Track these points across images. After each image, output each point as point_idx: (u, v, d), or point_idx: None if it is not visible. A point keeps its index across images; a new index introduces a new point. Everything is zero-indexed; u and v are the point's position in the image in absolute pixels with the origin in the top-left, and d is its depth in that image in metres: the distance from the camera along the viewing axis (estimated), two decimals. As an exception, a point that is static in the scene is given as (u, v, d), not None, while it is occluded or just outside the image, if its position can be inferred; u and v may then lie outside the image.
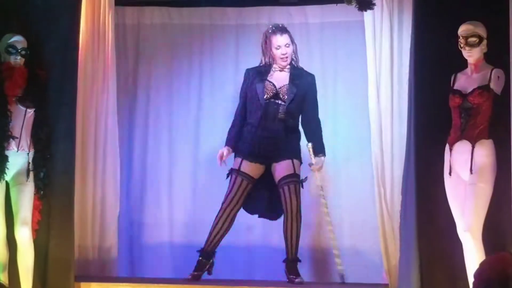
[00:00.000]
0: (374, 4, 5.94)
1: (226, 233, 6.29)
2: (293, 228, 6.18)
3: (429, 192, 5.53)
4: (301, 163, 6.31)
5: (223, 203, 6.27)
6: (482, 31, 5.43)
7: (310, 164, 6.33)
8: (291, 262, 6.22)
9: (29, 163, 5.86)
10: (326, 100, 7.00)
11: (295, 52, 6.35)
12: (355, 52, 6.84)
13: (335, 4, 6.32)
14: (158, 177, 7.26)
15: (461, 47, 5.45)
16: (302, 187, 6.27)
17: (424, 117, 5.64)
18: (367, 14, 6.27)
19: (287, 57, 6.28)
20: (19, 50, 5.90)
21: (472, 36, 5.41)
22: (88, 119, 6.63)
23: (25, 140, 5.87)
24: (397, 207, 6.01)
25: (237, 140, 6.33)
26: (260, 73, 6.33)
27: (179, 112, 7.26)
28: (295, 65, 6.35)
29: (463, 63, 5.52)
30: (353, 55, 6.92)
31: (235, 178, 6.25)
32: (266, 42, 6.32)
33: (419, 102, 5.67)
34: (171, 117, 7.29)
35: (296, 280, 6.16)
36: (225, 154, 6.31)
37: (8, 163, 5.76)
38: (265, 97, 6.24)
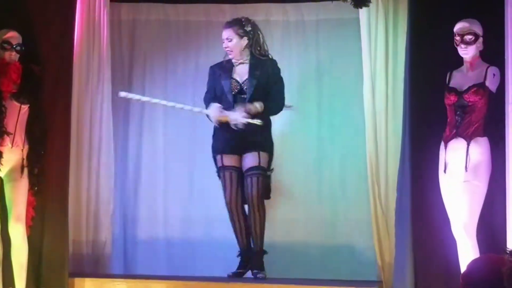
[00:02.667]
0: (369, 1, 5.93)
1: (247, 226, 6.30)
2: (256, 220, 6.23)
3: (424, 190, 5.54)
4: (270, 155, 6.34)
5: (226, 203, 6.32)
6: (478, 28, 5.42)
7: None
8: (257, 254, 6.25)
9: (23, 159, 5.85)
10: (321, 97, 7.00)
11: (254, 43, 6.36)
12: (351, 49, 6.83)
13: (331, 1, 6.31)
14: (152, 172, 7.25)
15: (457, 45, 5.44)
16: (269, 178, 6.31)
17: (419, 114, 5.64)
18: (363, 11, 6.26)
19: (230, 51, 6.34)
20: (14, 46, 5.88)
21: (468, 33, 5.41)
22: (82, 116, 6.62)
23: (20, 136, 5.86)
24: (391, 204, 6.01)
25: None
26: (224, 69, 6.41)
27: (175, 108, 7.24)
28: (258, 56, 6.37)
29: (459, 61, 5.51)
30: (348, 52, 6.91)
31: (224, 175, 6.32)
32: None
33: (414, 100, 5.67)
34: (166, 113, 7.27)
35: (259, 275, 6.18)
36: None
37: (2, 159, 5.75)
38: (233, 93, 6.30)
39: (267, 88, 6.33)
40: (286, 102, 6.41)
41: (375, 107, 6.29)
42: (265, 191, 6.33)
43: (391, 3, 6.26)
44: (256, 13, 7.19)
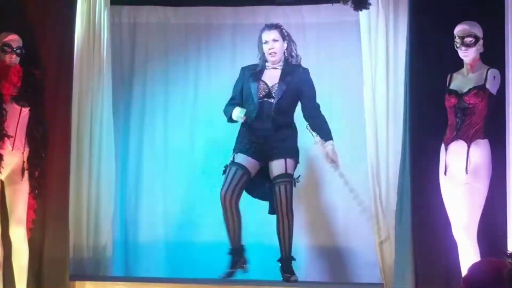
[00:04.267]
0: (369, 4, 5.94)
1: (240, 224, 6.31)
2: (285, 227, 6.24)
3: (425, 192, 5.54)
4: (296, 162, 6.31)
5: (220, 198, 6.27)
6: (478, 31, 5.43)
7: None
8: (286, 261, 6.25)
9: (23, 162, 5.85)
10: (321, 99, 6.98)
11: (290, 49, 6.36)
12: (351, 52, 6.85)
13: (331, 4, 6.32)
14: (153, 175, 7.26)
15: (457, 47, 5.45)
16: (295, 185, 6.28)
17: (420, 116, 5.64)
18: (363, 14, 6.26)
19: (275, 52, 6.32)
20: (15, 49, 5.89)
21: (468, 36, 5.41)
22: (83, 118, 6.62)
23: (20, 139, 5.86)
24: (392, 206, 6.01)
25: None
26: (254, 72, 6.38)
27: (175, 110, 7.26)
28: (291, 62, 6.35)
29: (459, 63, 5.52)
30: (348, 55, 6.92)
31: (230, 169, 6.29)
32: (258, 39, 6.39)
33: (414, 102, 5.68)
34: (166, 116, 7.28)
35: (291, 278, 6.20)
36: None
37: (2, 162, 5.75)
38: (259, 96, 6.26)
39: (297, 95, 6.33)
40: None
41: (376, 109, 6.29)
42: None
43: (392, 5, 6.26)
44: (257, 16, 7.22)
